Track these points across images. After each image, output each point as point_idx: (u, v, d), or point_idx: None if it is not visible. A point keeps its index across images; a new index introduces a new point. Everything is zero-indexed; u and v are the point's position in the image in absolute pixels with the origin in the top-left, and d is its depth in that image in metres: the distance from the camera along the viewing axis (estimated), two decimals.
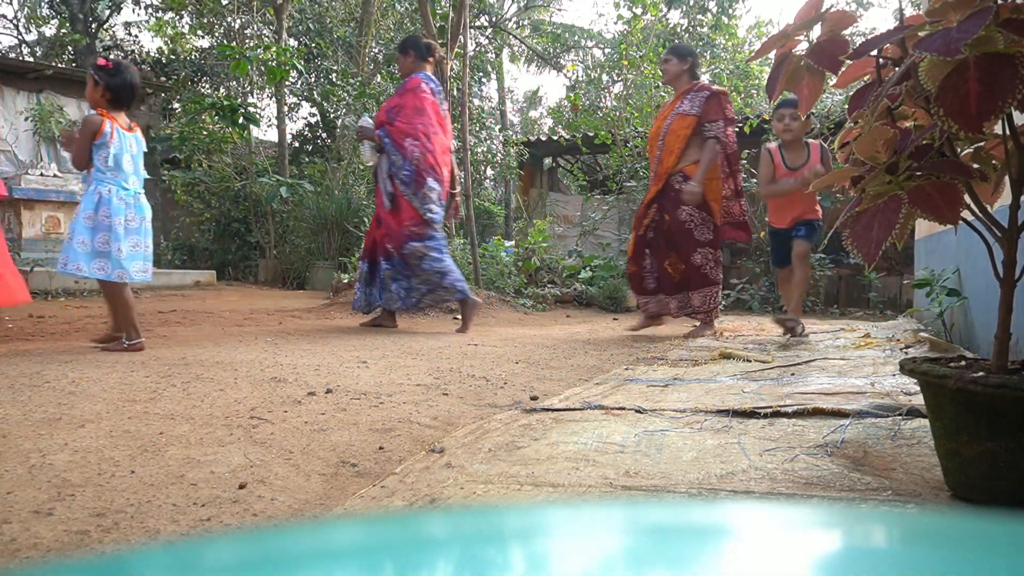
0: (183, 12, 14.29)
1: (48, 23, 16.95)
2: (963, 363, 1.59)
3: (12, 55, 14.75)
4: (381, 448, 1.89)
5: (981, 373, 1.42)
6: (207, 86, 14.40)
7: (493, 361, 3.46)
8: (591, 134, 9.45)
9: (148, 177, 3.69)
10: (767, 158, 4.32)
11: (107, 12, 16.32)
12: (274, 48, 9.65)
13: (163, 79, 12.53)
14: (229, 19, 13.37)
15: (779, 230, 4.36)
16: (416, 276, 4.68)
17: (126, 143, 3.45)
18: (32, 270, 7.29)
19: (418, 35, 5.65)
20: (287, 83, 11.71)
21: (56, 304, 6.47)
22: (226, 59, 10.19)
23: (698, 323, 4.77)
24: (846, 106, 4.40)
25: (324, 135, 13.11)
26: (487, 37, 14.34)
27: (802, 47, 1.75)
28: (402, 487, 1.57)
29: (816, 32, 1.73)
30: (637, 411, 2.28)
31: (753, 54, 2.68)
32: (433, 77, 4.86)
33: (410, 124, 4.65)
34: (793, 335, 4.20)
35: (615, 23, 12.95)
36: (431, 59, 4.88)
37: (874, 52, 1.58)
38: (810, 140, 4.36)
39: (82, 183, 3.52)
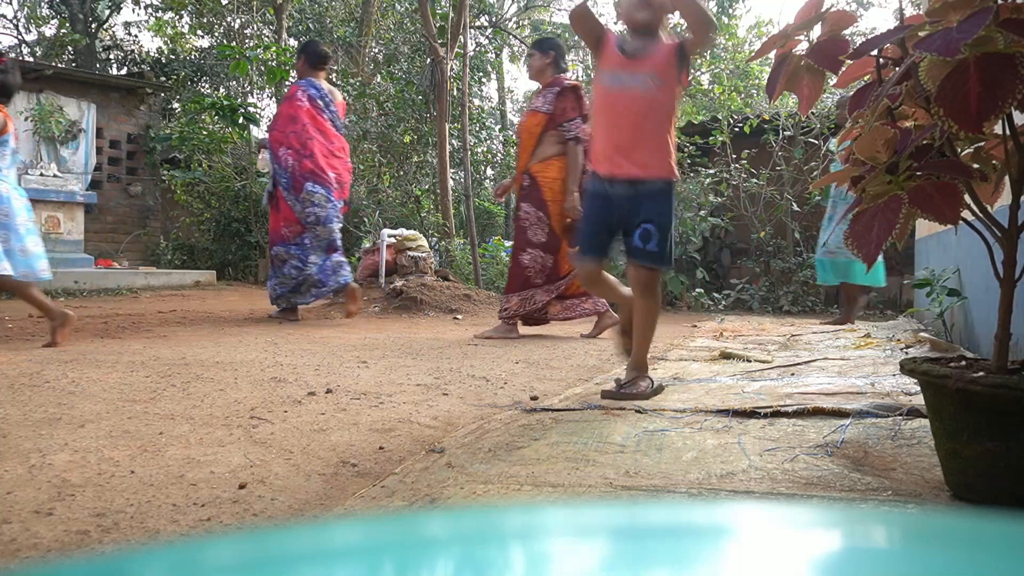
0: (183, 12, 14.30)
1: (48, 23, 16.96)
2: (963, 363, 1.59)
3: (12, 55, 14.73)
4: (381, 448, 1.89)
5: (981, 373, 1.42)
6: (207, 86, 14.41)
7: (493, 361, 3.46)
8: None
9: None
10: None
11: (107, 12, 16.32)
12: (274, 48, 9.65)
13: (163, 79, 12.52)
14: (229, 19, 13.38)
15: (603, 181, 2.55)
16: (276, 276, 5.16)
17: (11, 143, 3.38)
18: None
19: (318, 41, 5.79)
20: (287, 83, 11.70)
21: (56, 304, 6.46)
22: (226, 59, 10.20)
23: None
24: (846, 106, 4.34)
25: None
26: (487, 37, 14.33)
27: (802, 47, 1.75)
28: (402, 487, 1.57)
29: (816, 32, 1.73)
30: (637, 411, 2.28)
31: (753, 54, 2.65)
32: (317, 84, 5.07)
33: (283, 133, 4.98)
34: (628, 394, 2.44)
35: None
36: (323, 68, 5.18)
37: (874, 52, 1.58)
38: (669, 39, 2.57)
39: None
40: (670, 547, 0.32)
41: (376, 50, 12.76)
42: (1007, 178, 1.49)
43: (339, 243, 5.12)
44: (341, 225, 5.22)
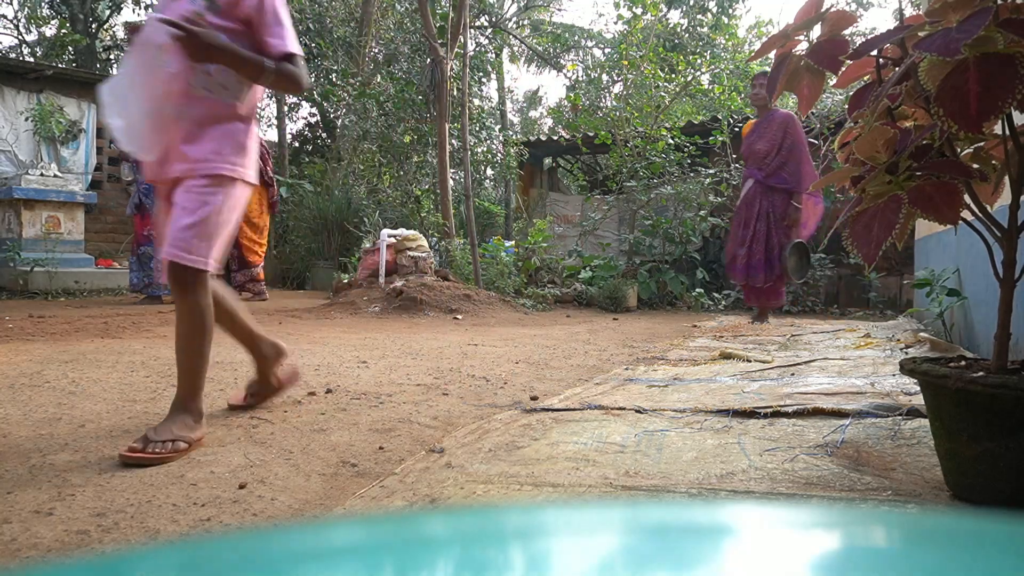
0: None
1: (48, 23, 16.94)
2: (963, 363, 1.59)
3: (12, 55, 14.74)
4: (381, 448, 1.89)
5: (981, 373, 1.42)
6: None
7: (493, 361, 3.46)
8: (591, 134, 9.45)
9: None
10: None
11: (107, 12, 16.32)
12: None
13: None
14: None
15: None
16: (143, 270, 6.68)
17: None
18: (32, 270, 7.28)
19: None
20: None
21: (56, 304, 6.46)
22: None
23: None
24: (846, 106, 4.34)
25: (324, 135, 13.10)
26: (487, 37, 14.32)
27: (802, 47, 1.75)
28: (402, 487, 1.57)
29: (816, 32, 1.73)
30: (637, 411, 2.28)
31: (753, 54, 2.66)
32: None
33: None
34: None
35: (615, 23, 12.95)
36: None
37: (874, 52, 1.58)
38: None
39: None
40: (670, 547, 0.32)
41: (376, 50, 12.75)
42: (1007, 178, 1.49)
43: None
44: None
